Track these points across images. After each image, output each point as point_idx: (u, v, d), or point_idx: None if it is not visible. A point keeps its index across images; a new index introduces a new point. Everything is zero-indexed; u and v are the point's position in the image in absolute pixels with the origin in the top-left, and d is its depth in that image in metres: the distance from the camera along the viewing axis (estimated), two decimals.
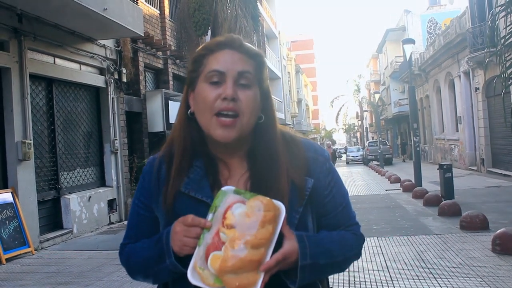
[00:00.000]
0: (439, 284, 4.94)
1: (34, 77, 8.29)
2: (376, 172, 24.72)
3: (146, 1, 12.43)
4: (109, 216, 10.27)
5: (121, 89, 10.97)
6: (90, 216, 9.49)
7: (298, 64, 54.85)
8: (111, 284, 5.67)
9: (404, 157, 37.25)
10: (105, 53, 10.46)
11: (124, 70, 10.92)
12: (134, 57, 11.62)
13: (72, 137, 9.53)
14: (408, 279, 5.22)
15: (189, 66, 1.34)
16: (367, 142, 41.99)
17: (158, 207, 1.32)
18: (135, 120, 11.90)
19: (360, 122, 60.93)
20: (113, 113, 10.62)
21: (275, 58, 34.78)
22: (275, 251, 1.13)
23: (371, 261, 6.06)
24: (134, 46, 11.60)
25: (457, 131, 22.78)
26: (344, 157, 50.80)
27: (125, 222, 9.90)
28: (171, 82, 13.50)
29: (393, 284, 5.10)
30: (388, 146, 35.58)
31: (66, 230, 8.74)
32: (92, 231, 9.41)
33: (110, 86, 10.55)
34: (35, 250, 7.62)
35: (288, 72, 43.73)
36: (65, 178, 9.18)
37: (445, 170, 11.40)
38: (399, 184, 16.09)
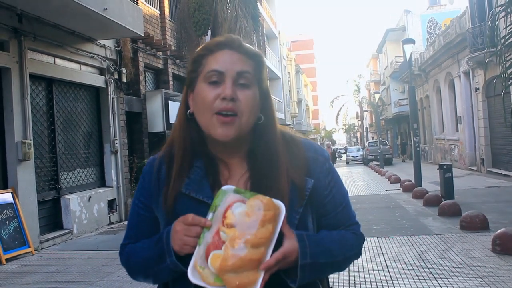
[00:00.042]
0: (439, 284, 4.94)
1: (34, 77, 8.29)
2: (376, 172, 24.72)
3: (146, 1, 12.43)
4: (109, 216, 10.27)
5: (121, 89, 10.97)
6: (90, 216, 9.49)
7: (298, 64, 54.88)
8: (111, 284, 5.67)
9: (404, 157, 37.24)
10: (105, 53, 10.46)
11: (124, 70, 10.92)
12: (134, 57, 11.62)
13: (72, 137, 9.53)
14: (408, 279, 5.22)
15: (189, 67, 1.34)
16: (367, 142, 42.00)
17: (158, 207, 1.32)
18: (135, 120, 11.90)
19: (360, 122, 60.94)
20: (113, 113, 10.62)
21: (275, 58, 34.78)
22: (275, 250, 1.14)
23: (371, 261, 6.06)
24: (134, 46, 11.60)
25: (457, 131, 22.78)
26: (344, 157, 50.79)
27: (125, 222, 9.91)
28: (171, 82, 13.50)
29: (393, 284, 5.10)
30: (388, 146, 35.58)
31: (66, 230, 8.74)
32: (92, 231, 9.41)
33: (110, 86, 10.55)
34: (35, 250, 7.62)
35: (288, 72, 43.73)
36: (65, 178, 9.18)
37: (445, 170, 11.40)
38: (399, 184, 16.09)
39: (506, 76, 6.71)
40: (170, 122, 11.99)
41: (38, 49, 8.35)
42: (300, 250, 1.17)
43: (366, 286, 5.13)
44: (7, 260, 6.98)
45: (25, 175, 7.80)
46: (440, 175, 11.72)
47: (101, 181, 10.49)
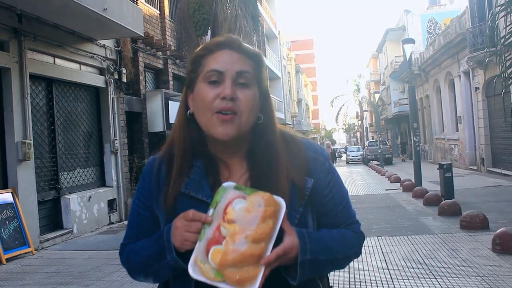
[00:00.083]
0: (439, 284, 4.94)
1: (34, 77, 8.30)
2: (376, 172, 24.72)
3: (146, 1, 12.43)
4: (109, 216, 10.27)
5: (121, 89, 10.97)
6: (90, 216, 9.50)
7: (298, 64, 54.88)
8: (111, 284, 5.68)
9: (404, 156, 37.24)
10: (105, 53, 10.46)
11: (124, 70, 10.92)
12: (134, 57, 11.62)
13: (72, 137, 9.54)
14: (408, 279, 5.22)
15: (188, 67, 1.35)
16: (367, 141, 41.99)
17: (158, 207, 1.32)
18: (135, 120, 11.90)
19: (360, 122, 60.94)
20: (113, 113, 10.62)
21: (275, 58, 34.78)
22: (275, 247, 1.14)
23: (371, 261, 6.06)
24: (134, 46, 11.60)
25: (457, 130, 22.78)
26: (344, 156, 50.79)
27: (125, 222, 9.91)
28: (171, 82, 13.50)
29: (393, 284, 5.10)
30: (388, 146, 35.59)
31: (66, 230, 8.75)
32: (92, 231, 9.42)
33: (110, 86, 10.55)
34: (35, 250, 7.62)
35: (288, 72, 43.73)
36: (65, 178, 9.19)
37: (445, 170, 11.41)
38: (399, 183, 16.09)
39: (506, 75, 6.71)
40: (170, 122, 11.99)
41: (38, 49, 8.36)
42: (300, 246, 1.18)
43: (366, 285, 5.13)
44: (7, 260, 6.98)
45: (25, 175, 7.80)
46: (440, 175, 11.73)
47: (101, 181, 10.50)
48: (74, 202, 8.97)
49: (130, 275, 1.38)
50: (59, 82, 9.15)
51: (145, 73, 12.47)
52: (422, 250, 6.49)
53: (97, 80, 10.26)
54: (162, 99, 12.00)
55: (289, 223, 1.19)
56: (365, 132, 56.22)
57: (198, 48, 1.35)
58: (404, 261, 5.98)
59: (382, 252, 6.53)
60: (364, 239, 1.38)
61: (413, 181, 14.54)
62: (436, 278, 5.13)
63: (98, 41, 10.07)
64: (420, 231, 7.87)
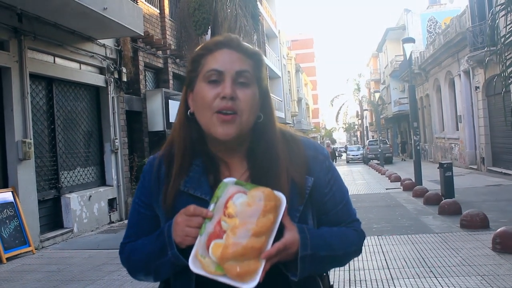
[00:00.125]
0: (439, 283, 4.94)
1: (34, 77, 8.29)
2: (376, 171, 24.73)
3: (146, 1, 12.43)
4: (110, 215, 10.27)
5: (121, 89, 10.97)
6: (91, 215, 9.50)
7: (298, 63, 54.87)
8: (111, 283, 5.68)
9: (404, 156, 37.23)
10: (105, 53, 10.46)
11: (124, 70, 10.92)
12: (134, 57, 11.62)
13: (72, 137, 9.54)
14: (408, 278, 5.22)
15: (188, 66, 1.35)
16: (367, 141, 41.97)
17: (158, 205, 1.33)
18: (135, 119, 11.90)
19: (360, 121, 60.93)
20: (113, 113, 10.62)
21: (275, 57, 34.77)
22: (276, 242, 1.14)
23: (372, 260, 6.07)
24: (134, 46, 11.60)
25: (457, 130, 22.78)
26: (344, 156, 50.79)
27: (126, 221, 9.90)
28: (171, 81, 13.50)
29: (393, 283, 5.10)
30: (388, 145, 35.59)
31: (67, 229, 8.75)
32: (92, 230, 9.42)
33: (110, 85, 10.55)
34: (35, 249, 7.63)
35: (288, 71, 43.74)
36: (65, 177, 9.19)
37: (445, 169, 11.41)
38: (399, 183, 16.09)
39: (506, 75, 6.71)
40: (170, 121, 11.99)
41: (38, 49, 8.35)
42: (301, 241, 1.18)
43: (366, 284, 5.13)
44: (8, 259, 6.98)
45: (26, 174, 7.80)
46: (440, 174, 11.72)
47: (102, 180, 10.50)
48: (74, 201, 8.98)
49: (130, 274, 1.38)
50: (59, 81, 9.15)
51: (145, 72, 12.47)
52: (422, 249, 6.49)
53: (97, 79, 10.26)
54: (162, 98, 12.00)
55: (290, 219, 1.20)
56: (365, 131, 56.23)
57: (198, 48, 1.35)
58: (404, 260, 5.98)
59: (382, 251, 6.53)
60: (364, 238, 1.38)
61: (414, 180, 14.54)
62: (436, 277, 5.14)
63: (98, 40, 10.07)
64: (420, 230, 7.87)
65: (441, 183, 11.70)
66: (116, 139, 10.64)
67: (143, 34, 10.25)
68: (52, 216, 8.75)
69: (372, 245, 6.88)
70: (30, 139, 7.86)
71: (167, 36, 13.44)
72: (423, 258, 5.98)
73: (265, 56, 26.55)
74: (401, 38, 20.82)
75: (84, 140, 10.01)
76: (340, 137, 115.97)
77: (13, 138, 7.64)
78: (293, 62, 47.16)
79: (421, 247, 6.63)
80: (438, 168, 12.10)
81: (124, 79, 10.97)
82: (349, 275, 5.44)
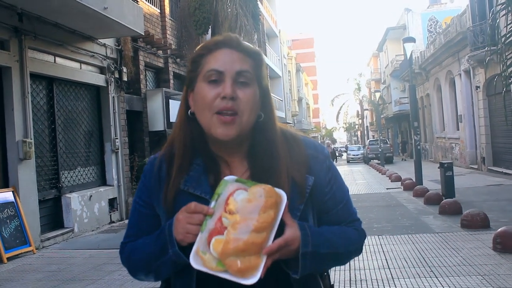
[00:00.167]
0: (440, 283, 4.94)
1: (34, 76, 8.30)
2: (377, 171, 24.72)
3: (146, 0, 12.43)
4: (110, 215, 10.28)
5: (122, 88, 10.97)
6: (91, 215, 9.50)
7: (299, 63, 54.85)
8: (112, 283, 5.68)
9: (404, 156, 37.21)
10: (106, 52, 10.46)
11: (124, 69, 10.92)
12: (135, 56, 11.62)
13: (72, 136, 9.54)
14: (409, 278, 5.22)
15: (188, 66, 1.35)
16: (368, 140, 41.98)
17: (159, 205, 1.33)
18: (135, 119, 11.90)
19: (360, 120, 60.97)
20: (113, 112, 10.62)
21: (276, 57, 34.77)
22: (277, 238, 1.15)
23: (372, 260, 6.06)
24: (135, 45, 11.60)
25: (458, 129, 22.77)
26: (345, 155, 50.79)
27: (126, 221, 9.91)
28: (171, 81, 13.50)
29: (394, 283, 5.10)
30: (388, 145, 35.59)
31: (67, 229, 8.75)
32: (93, 230, 9.42)
33: (110, 85, 10.55)
34: (36, 249, 7.63)
35: (289, 71, 43.74)
36: (66, 177, 9.19)
37: (446, 169, 11.40)
38: (399, 182, 16.09)
39: (507, 74, 6.71)
40: (170, 120, 12.00)
41: (39, 48, 8.36)
42: (302, 238, 1.18)
43: (367, 284, 5.13)
44: (8, 259, 6.99)
45: (26, 174, 7.80)
46: (441, 174, 11.72)
47: (102, 180, 10.50)
48: (75, 201, 8.98)
49: (130, 274, 1.38)
50: (60, 81, 9.15)
51: (145, 72, 12.47)
52: (422, 249, 6.49)
53: (98, 79, 10.26)
54: (162, 98, 12.00)
55: (291, 216, 1.20)
56: (365, 131, 56.24)
57: (198, 47, 1.35)
58: (405, 260, 5.98)
59: (383, 251, 6.53)
60: (365, 237, 1.38)
61: (414, 180, 14.54)
62: (437, 277, 5.13)
63: (99, 40, 10.07)
64: (421, 230, 7.87)
65: (442, 183, 11.69)
66: (117, 138, 10.64)
67: (143, 34, 10.25)
68: (53, 216, 8.76)
69: (373, 245, 6.88)
70: (31, 139, 7.87)
71: (168, 36, 13.44)
72: (423, 258, 5.98)
73: (266, 55, 26.55)
74: (402, 38, 20.82)
75: (84, 139, 10.01)
76: (341, 137, 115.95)
77: (13, 137, 7.64)
78: (293, 62, 47.15)
79: (421, 246, 6.63)
80: (438, 168, 12.10)
81: (125, 78, 10.97)
82: (350, 274, 5.44)
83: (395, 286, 5.01)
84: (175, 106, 11.94)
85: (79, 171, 9.67)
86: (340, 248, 1.28)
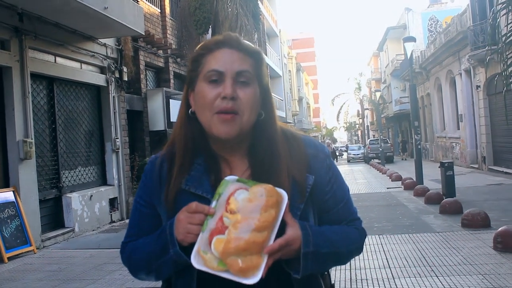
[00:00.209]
0: (440, 282, 4.94)
1: (35, 76, 8.30)
2: (377, 170, 24.72)
3: (146, 0, 12.43)
4: (111, 215, 10.28)
5: (122, 88, 10.98)
6: (92, 215, 9.51)
7: (299, 62, 54.82)
8: (113, 282, 5.68)
9: (405, 155, 37.18)
10: (106, 52, 10.46)
11: (125, 69, 10.93)
12: (135, 56, 11.62)
13: (73, 136, 9.54)
14: (409, 277, 5.22)
15: (189, 66, 1.35)
16: (368, 140, 41.97)
17: (160, 204, 1.33)
18: (136, 119, 11.90)
19: (361, 120, 60.92)
20: (114, 112, 10.63)
21: (276, 56, 34.75)
22: (278, 238, 1.14)
23: (373, 259, 6.06)
24: (135, 45, 11.60)
25: (458, 129, 22.76)
26: (345, 155, 50.78)
27: (127, 221, 9.92)
28: (172, 81, 13.51)
29: (394, 282, 5.10)
30: (389, 144, 35.58)
31: (68, 229, 8.76)
32: (93, 230, 9.43)
33: (111, 84, 10.55)
34: (37, 248, 7.63)
35: (289, 71, 43.71)
36: (66, 177, 9.20)
37: (447, 168, 11.40)
38: (400, 182, 16.09)
39: (507, 74, 6.70)
40: (171, 120, 12.00)
41: (39, 48, 8.36)
42: (303, 238, 1.18)
43: (367, 283, 5.13)
44: (9, 258, 6.99)
45: (27, 174, 7.81)
46: (441, 173, 11.71)
47: (103, 180, 10.51)
48: (75, 201, 8.99)
49: (131, 273, 1.38)
50: (60, 81, 9.15)
51: (146, 72, 12.47)
52: (423, 248, 6.49)
53: (98, 79, 10.26)
54: (163, 98, 12.01)
55: (291, 215, 1.20)
56: (366, 131, 56.21)
57: (198, 47, 1.35)
58: (406, 259, 5.98)
59: (384, 251, 6.53)
60: (365, 236, 1.38)
61: (415, 179, 14.54)
62: (437, 276, 5.13)
63: (99, 39, 10.07)
64: (422, 230, 7.86)
65: (442, 182, 11.69)
66: (117, 138, 10.65)
67: (144, 34, 10.25)
68: (53, 215, 8.76)
69: (373, 244, 6.88)
70: (31, 139, 7.87)
71: (168, 36, 13.44)
72: (424, 257, 5.98)
73: (266, 55, 26.55)
74: (402, 37, 20.81)
75: (85, 139, 10.02)
76: (341, 136, 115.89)
77: (14, 137, 7.65)
78: (294, 61, 47.11)
79: (422, 246, 6.62)
80: (439, 167, 12.09)
81: (125, 78, 10.97)
82: (350, 274, 5.44)
83: (396, 285, 5.01)
84: (175, 105, 11.95)
85: (79, 171, 9.68)
86: (341, 248, 1.28)
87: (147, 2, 12.38)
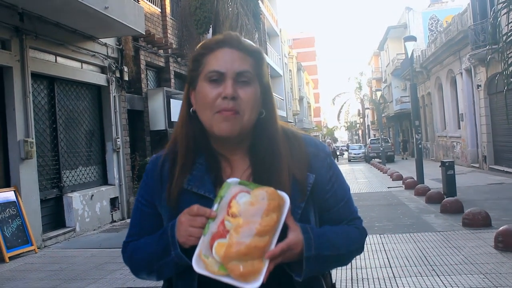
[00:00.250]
0: (441, 281, 4.94)
1: (35, 76, 8.30)
2: (378, 170, 24.71)
3: None
4: (112, 215, 10.29)
5: (123, 88, 10.98)
6: (93, 215, 9.51)
7: (300, 62, 54.79)
8: (114, 282, 5.69)
9: (405, 154, 37.16)
10: (107, 52, 10.46)
11: (125, 69, 10.93)
12: (136, 56, 11.62)
13: (74, 136, 9.55)
14: (410, 276, 5.22)
15: (189, 65, 1.35)
16: (369, 139, 41.94)
17: (161, 204, 1.33)
18: (137, 118, 11.91)
19: (362, 119, 60.89)
20: (114, 112, 10.63)
21: (277, 56, 34.75)
22: (279, 242, 1.14)
23: (374, 258, 6.06)
24: (136, 45, 11.60)
25: (459, 128, 22.75)
26: (346, 154, 50.76)
27: (128, 220, 9.93)
28: (172, 80, 13.51)
29: (395, 281, 5.10)
30: (390, 144, 35.56)
31: (69, 229, 8.76)
32: (94, 229, 9.43)
33: (111, 84, 10.56)
34: (38, 248, 7.64)
35: (290, 70, 43.70)
36: (67, 177, 9.20)
37: (447, 168, 11.39)
38: (401, 181, 16.08)
39: (508, 73, 6.70)
40: (171, 120, 12.01)
41: (40, 48, 8.36)
42: (305, 242, 1.18)
43: (368, 283, 5.13)
44: (10, 258, 7.00)
45: (28, 174, 7.81)
46: (442, 172, 11.70)
47: (103, 179, 10.51)
48: (76, 201, 8.99)
49: (133, 273, 1.38)
50: (61, 80, 9.16)
51: (146, 71, 12.48)
52: (424, 247, 6.49)
53: (99, 79, 10.27)
54: (163, 97, 12.01)
55: (293, 219, 1.20)
56: (367, 130, 56.20)
57: (198, 46, 1.35)
58: (407, 258, 5.98)
59: (385, 250, 6.53)
60: (366, 235, 1.38)
61: (415, 179, 14.53)
62: (438, 276, 5.13)
63: (100, 39, 10.08)
64: (422, 229, 7.86)
65: (443, 182, 11.68)
66: (118, 138, 10.65)
67: (144, 33, 10.26)
68: (54, 215, 8.77)
69: (374, 244, 6.88)
70: (32, 139, 7.87)
71: (169, 35, 13.44)
72: (425, 257, 5.98)
73: (267, 54, 26.55)
74: (403, 37, 20.83)
75: (86, 139, 10.02)
76: (342, 136, 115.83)
77: (15, 137, 7.65)
78: (294, 61, 47.11)
79: (423, 245, 6.62)
80: (440, 166, 12.09)
81: (126, 78, 10.98)
82: (351, 273, 5.44)
83: (397, 284, 5.01)
84: (176, 105, 11.96)
85: (80, 171, 9.68)
86: (342, 249, 1.28)
87: (147, 2, 12.39)
